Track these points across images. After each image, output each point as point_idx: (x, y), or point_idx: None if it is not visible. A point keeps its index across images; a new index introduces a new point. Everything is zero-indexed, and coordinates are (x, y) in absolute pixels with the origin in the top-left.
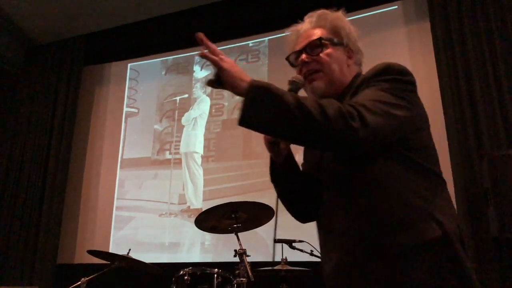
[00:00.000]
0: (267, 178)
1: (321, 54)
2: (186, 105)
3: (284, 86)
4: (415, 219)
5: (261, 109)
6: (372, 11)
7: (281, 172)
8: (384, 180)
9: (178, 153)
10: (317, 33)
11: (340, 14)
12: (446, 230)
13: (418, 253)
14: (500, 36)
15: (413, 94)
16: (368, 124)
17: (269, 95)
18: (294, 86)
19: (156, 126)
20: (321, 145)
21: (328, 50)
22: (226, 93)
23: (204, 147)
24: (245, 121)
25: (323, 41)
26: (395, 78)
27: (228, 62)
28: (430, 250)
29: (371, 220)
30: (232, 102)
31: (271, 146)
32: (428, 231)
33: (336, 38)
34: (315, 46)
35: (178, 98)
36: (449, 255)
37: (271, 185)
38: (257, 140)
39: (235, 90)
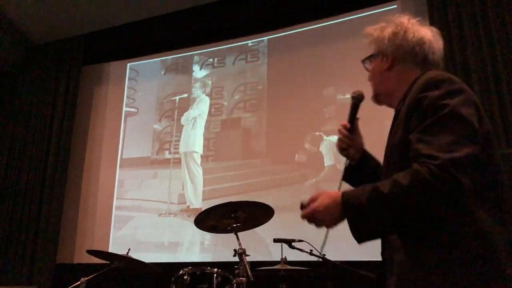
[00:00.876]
0: (266, 177)
1: (369, 69)
2: (185, 105)
3: (284, 84)
4: None
5: (363, 223)
6: (372, 11)
7: (356, 171)
8: None
9: (177, 152)
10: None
11: (381, 25)
12: None
13: None
14: (500, 36)
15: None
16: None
17: (360, 210)
18: (356, 100)
19: (155, 126)
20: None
21: (371, 65)
22: (225, 92)
23: (204, 146)
24: (362, 238)
25: (366, 60)
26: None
27: (317, 210)
28: None
29: None
30: (232, 102)
31: (342, 152)
32: None
33: (375, 51)
34: (364, 63)
35: (177, 97)
36: None
37: (270, 185)
38: (256, 140)
39: (335, 222)
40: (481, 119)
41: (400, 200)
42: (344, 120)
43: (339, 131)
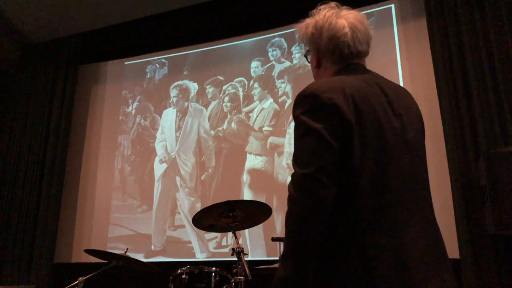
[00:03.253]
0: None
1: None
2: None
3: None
4: None
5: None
6: (369, 9)
7: None
8: None
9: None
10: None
11: (306, 23)
12: None
13: None
14: (497, 34)
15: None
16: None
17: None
18: None
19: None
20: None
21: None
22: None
23: (201, 146)
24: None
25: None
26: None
27: None
28: None
29: None
30: (233, 107)
31: None
32: None
33: (306, 48)
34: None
35: (174, 98)
36: None
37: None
38: (254, 139)
39: None
40: (340, 125)
41: (289, 222)
42: None
43: None
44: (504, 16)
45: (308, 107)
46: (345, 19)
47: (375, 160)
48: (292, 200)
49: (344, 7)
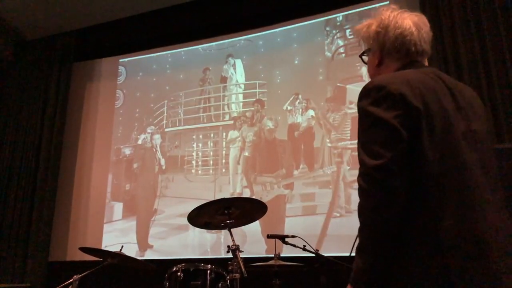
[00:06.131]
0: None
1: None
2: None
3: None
4: None
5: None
6: (364, 7)
7: None
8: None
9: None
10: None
11: (368, 22)
12: None
13: None
14: (491, 33)
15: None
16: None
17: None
18: None
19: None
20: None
21: (367, 59)
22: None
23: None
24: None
25: (362, 55)
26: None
27: None
28: None
29: None
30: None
31: None
32: None
33: (366, 47)
34: (361, 57)
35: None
36: None
37: None
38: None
39: None
40: (408, 115)
41: (364, 216)
42: None
43: None
44: (498, 12)
45: (375, 98)
46: (410, 19)
47: (444, 150)
48: (364, 193)
49: (404, 10)
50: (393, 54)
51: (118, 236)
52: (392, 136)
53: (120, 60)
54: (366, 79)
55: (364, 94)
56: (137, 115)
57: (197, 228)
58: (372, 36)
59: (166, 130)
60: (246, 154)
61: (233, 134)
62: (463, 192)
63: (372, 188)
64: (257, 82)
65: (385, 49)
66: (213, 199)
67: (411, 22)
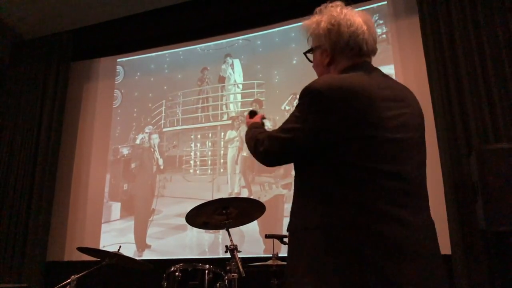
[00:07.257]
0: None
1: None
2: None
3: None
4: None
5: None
6: (362, 6)
7: None
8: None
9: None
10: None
11: (317, 19)
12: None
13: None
14: (488, 32)
15: (308, 112)
16: (262, 149)
17: (248, 132)
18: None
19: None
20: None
21: (313, 57)
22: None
23: (195, 147)
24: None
25: (307, 52)
26: (298, 104)
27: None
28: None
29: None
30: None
31: None
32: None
33: (313, 45)
34: (306, 55)
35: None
36: None
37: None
38: None
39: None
40: (348, 111)
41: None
42: None
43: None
44: (496, 13)
45: (308, 102)
46: (360, 16)
47: (375, 152)
48: (258, 144)
49: (349, 6)
50: (345, 52)
51: (116, 236)
52: (292, 146)
53: (118, 60)
54: None
55: (302, 94)
56: (135, 114)
57: (195, 228)
58: (324, 33)
59: (164, 130)
60: (244, 154)
61: (231, 134)
62: (391, 194)
63: (257, 150)
64: (255, 82)
65: (338, 47)
66: (211, 199)
67: (362, 20)
